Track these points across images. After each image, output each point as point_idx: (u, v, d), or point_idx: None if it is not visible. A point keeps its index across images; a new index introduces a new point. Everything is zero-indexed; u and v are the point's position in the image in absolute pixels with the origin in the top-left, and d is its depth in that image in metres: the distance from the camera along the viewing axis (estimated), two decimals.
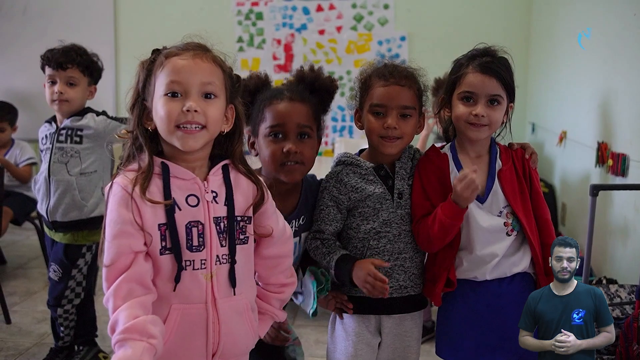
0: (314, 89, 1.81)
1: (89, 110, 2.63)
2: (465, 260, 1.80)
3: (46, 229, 2.71)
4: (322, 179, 1.90)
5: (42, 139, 2.65)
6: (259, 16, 5.18)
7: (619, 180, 3.01)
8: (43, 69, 2.62)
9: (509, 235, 1.79)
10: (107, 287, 1.33)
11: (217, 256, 1.41)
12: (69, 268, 2.64)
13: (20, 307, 3.49)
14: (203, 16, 5.17)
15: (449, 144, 1.89)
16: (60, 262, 2.63)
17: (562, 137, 3.95)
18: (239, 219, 1.45)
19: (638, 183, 2.71)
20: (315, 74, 1.83)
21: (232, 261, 1.43)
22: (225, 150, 1.48)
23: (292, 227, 1.80)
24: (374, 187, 1.79)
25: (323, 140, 5.49)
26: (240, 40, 5.21)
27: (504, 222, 1.79)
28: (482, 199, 1.79)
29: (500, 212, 1.80)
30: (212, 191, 1.42)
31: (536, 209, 1.84)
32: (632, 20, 2.96)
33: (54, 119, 2.66)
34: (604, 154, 3.19)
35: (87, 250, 2.66)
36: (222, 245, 1.41)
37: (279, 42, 5.20)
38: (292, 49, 5.18)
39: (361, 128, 1.86)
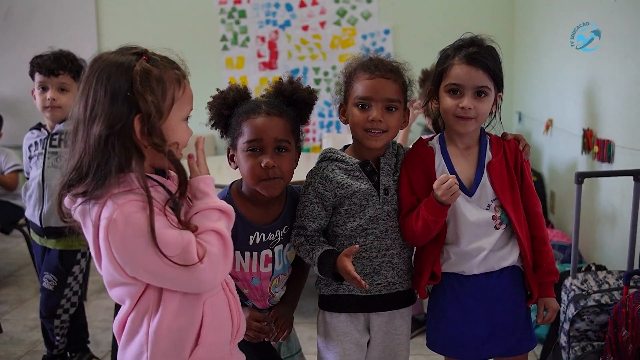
0: (292, 101, 1.81)
1: None
2: (453, 254, 1.80)
3: (36, 237, 2.67)
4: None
5: (31, 146, 2.62)
6: (242, 14, 5.16)
7: (605, 167, 3.02)
8: (32, 75, 2.60)
9: (497, 229, 1.79)
10: (190, 252, 1.28)
11: None
12: (64, 276, 2.61)
13: (11, 316, 3.48)
14: (186, 15, 5.16)
15: (438, 135, 1.87)
16: (56, 270, 2.60)
17: (549, 125, 3.96)
18: None
19: (623, 169, 2.71)
20: (294, 86, 1.82)
21: None
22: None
23: (275, 237, 1.81)
24: (360, 183, 1.78)
25: (310, 136, 5.46)
26: (224, 39, 5.19)
27: (492, 216, 1.79)
28: (470, 192, 1.78)
29: (489, 205, 1.79)
30: None
31: (527, 201, 1.83)
32: (614, 6, 2.97)
33: (40, 125, 2.64)
34: (590, 141, 3.20)
35: (81, 256, 2.64)
36: None
37: (262, 39, 5.18)
38: (277, 46, 5.17)
39: (345, 122, 1.85)
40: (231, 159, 1.81)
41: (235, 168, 1.80)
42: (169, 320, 1.34)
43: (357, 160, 1.80)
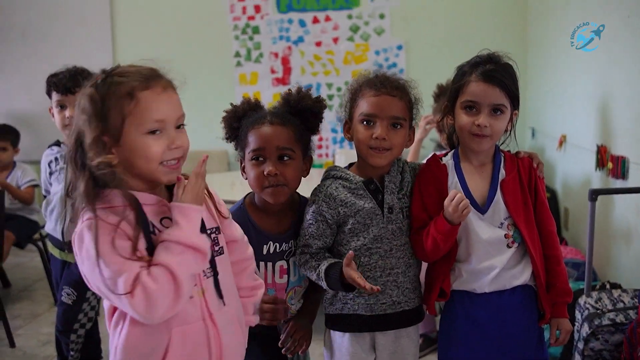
0: (299, 110, 1.83)
1: None
2: (464, 272, 1.79)
3: (56, 252, 2.68)
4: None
5: (51, 162, 2.65)
6: (256, 30, 5.20)
7: (619, 183, 2.99)
8: (49, 94, 2.63)
9: (510, 247, 1.78)
10: (135, 302, 1.25)
11: (203, 270, 1.42)
12: (84, 290, 2.61)
13: (24, 331, 3.49)
14: (200, 32, 5.20)
15: (452, 151, 1.87)
16: (76, 284, 2.60)
17: (562, 141, 3.94)
18: (209, 231, 1.45)
19: (637, 186, 2.69)
20: (301, 95, 1.84)
21: (215, 273, 1.44)
22: None
23: (289, 247, 1.83)
24: (364, 202, 1.77)
25: (323, 152, 5.44)
26: (237, 54, 5.22)
27: (505, 234, 1.77)
28: (483, 209, 1.77)
29: (502, 223, 1.77)
30: None
31: (540, 220, 1.82)
32: (627, 22, 2.96)
33: (59, 142, 2.68)
34: (604, 157, 3.17)
35: None
36: None
37: (276, 55, 5.21)
38: (290, 61, 5.19)
39: (350, 139, 1.84)
40: (243, 170, 1.85)
41: (247, 178, 1.83)
42: (133, 337, 1.34)
43: (361, 178, 1.79)
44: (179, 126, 1.39)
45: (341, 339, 1.82)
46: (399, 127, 1.76)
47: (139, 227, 1.31)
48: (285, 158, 1.76)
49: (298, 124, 1.82)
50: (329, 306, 1.84)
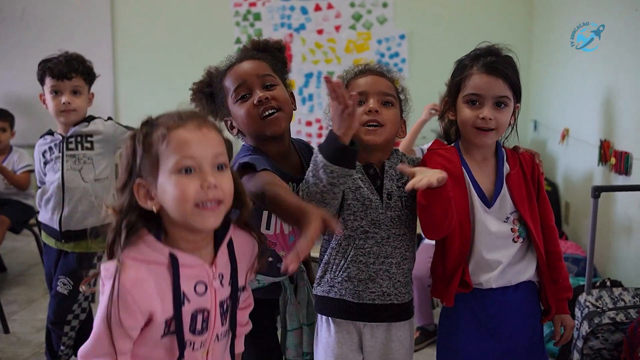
0: (261, 50, 1.83)
1: (93, 117, 2.60)
2: (471, 265, 1.74)
3: (51, 242, 2.62)
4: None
5: (45, 152, 2.59)
6: (257, 17, 5.14)
7: (622, 179, 2.97)
8: (42, 79, 2.56)
9: (515, 242, 1.74)
10: None
11: (217, 335, 1.37)
12: (81, 280, 2.57)
13: (19, 316, 3.47)
14: (201, 18, 5.14)
15: (453, 145, 1.82)
16: (72, 274, 2.56)
17: (565, 135, 3.90)
18: (239, 294, 1.41)
19: None
20: (259, 41, 1.85)
21: (233, 336, 1.40)
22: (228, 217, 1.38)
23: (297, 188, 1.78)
24: (364, 185, 1.71)
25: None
26: (238, 41, 5.17)
27: (511, 229, 1.74)
28: (489, 203, 1.73)
29: (507, 218, 1.74)
30: (220, 274, 1.35)
31: (542, 215, 1.79)
32: (633, 15, 2.92)
33: (51, 131, 2.61)
34: (607, 152, 3.14)
35: (98, 260, 2.60)
36: (222, 325, 1.38)
37: None
38: (291, 49, 5.14)
39: None
40: (231, 127, 1.81)
41: (237, 134, 1.79)
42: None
43: (359, 163, 1.71)
44: (220, 168, 1.29)
45: (329, 340, 1.76)
46: (389, 104, 1.73)
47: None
48: (270, 85, 1.73)
49: (269, 58, 1.80)
50: (316, 286, 1.78)
